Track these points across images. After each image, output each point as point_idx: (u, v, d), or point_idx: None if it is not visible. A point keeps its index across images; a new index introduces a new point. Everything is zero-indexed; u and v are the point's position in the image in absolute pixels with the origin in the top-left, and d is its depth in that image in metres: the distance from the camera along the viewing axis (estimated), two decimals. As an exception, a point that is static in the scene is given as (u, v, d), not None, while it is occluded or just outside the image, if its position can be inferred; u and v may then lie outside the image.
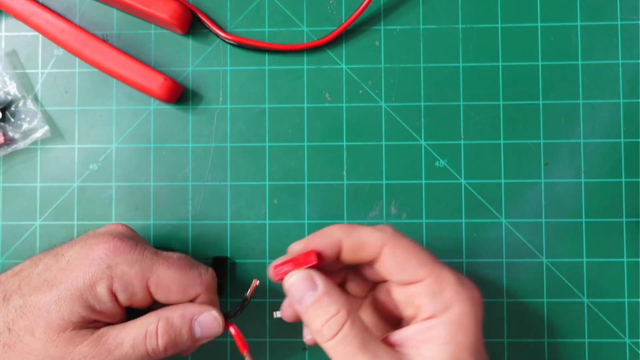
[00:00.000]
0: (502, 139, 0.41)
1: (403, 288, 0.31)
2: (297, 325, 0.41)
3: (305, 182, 0.41)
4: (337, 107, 0.42)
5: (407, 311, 0.31)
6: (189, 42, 0.42)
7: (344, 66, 0.42)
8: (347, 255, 0.31)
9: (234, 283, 0.41)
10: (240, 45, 0.42)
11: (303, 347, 0.41)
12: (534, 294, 0.40)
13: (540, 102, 0.41)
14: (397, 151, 0.41)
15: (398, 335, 0.29)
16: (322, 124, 0.42)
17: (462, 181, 0.41)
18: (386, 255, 0.30)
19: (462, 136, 0.41)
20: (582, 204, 0.41)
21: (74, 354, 0.29)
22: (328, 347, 0.28)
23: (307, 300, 0.29)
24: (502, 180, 0.41)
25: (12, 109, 0.42)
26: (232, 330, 0.33)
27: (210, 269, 0.34)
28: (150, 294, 0.31)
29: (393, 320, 0.33)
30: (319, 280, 0.29)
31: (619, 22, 0.41)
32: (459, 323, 0.28)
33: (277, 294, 0.41)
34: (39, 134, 0.42)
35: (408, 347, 0.28)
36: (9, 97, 0.42)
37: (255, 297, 0.41)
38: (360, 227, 0.31)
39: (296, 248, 0.31)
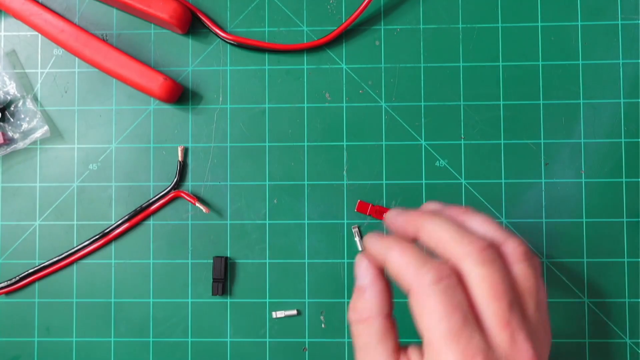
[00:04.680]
0: (502, 139, 0.41)
1: None
2: (296, 326, 0.41)
3: (305, 182, 0.41)
4: (337, 107, 0.42)
5: None
6: (189, 42, 0.42)
7: (344, 66, 0.42)
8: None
9: (234, 283, 0.41)
10: (240, 45, 0.42)
11: (303, 347, 0.41)
12: (534, 294, 0.40)
13: (541, 101, 0.41)
14: (397, 151, 0.41)
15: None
16: (322, 124, 0.42)
17: (463, 181, 0.41)
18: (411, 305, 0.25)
19: (462, 136, 0.41)
20: (583, 204, 0.41)
21: None
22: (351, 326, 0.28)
23: (357, 278, 0.28)
24: (502, 180, 0.41)
25: (12, 108, 0.42)
26: None
27: None
28: None
29: None
30: (366, 274, 0.28)
31: (619, 22, 0.41)
32: None
33: (277, 294, 0.41)
34: (38, 134, 0.42)
35: None
36: (9, 97, 0.42)
37: (256, 297, 0.41)
38: (401, 252, 0.26)
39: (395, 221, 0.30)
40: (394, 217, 0.29)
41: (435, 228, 0.27)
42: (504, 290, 0.24)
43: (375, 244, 0.28)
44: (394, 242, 0.27)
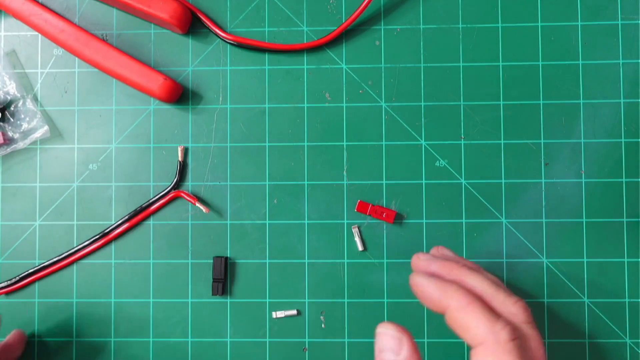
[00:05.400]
0: (502, 139, 0.41)
1: None
2: (296, 326, 0.41)
3: (305, 182, 0.41)
4: (337, 107, 0.42)
5: None
6: (189, 42, 0.42)
7: (344, 66, 0.42)
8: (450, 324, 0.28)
9: (234, 283, 0.41)
10: (240, 45, 0.42)
11: (303, 347, 0.41)
12: (534, 294, 0.40)
13: (541, 101, 0.41)
14: (397, 151, 0.41)
15: None
16: (322, 124, 0.42)
17: (463, 181, 0.41)
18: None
19: (462, 136, 0.41)
20: (583, 204, 0.41)
21: None
22: None
23: (384, 358, 0.27)
24: (502, 180, 0.41)
25: (12, 108, 0.42)
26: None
27: None
28: None
29: None
30: (405, 348, 0.27)
31: (619, 22, 0.41)
32: None
33: (277, 295, 0.41)
34: (38, 134, 0.42)
35: None
36: (9, 97, 0.42)
37: (256, 297, 0.41)
38: (482, 302, 0.27)
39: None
40: (427, 262, 0.31)
41: (477, 282, 0.29)
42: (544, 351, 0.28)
43: (430, 287, 0.28)
44: (454, 291, 0.27)
